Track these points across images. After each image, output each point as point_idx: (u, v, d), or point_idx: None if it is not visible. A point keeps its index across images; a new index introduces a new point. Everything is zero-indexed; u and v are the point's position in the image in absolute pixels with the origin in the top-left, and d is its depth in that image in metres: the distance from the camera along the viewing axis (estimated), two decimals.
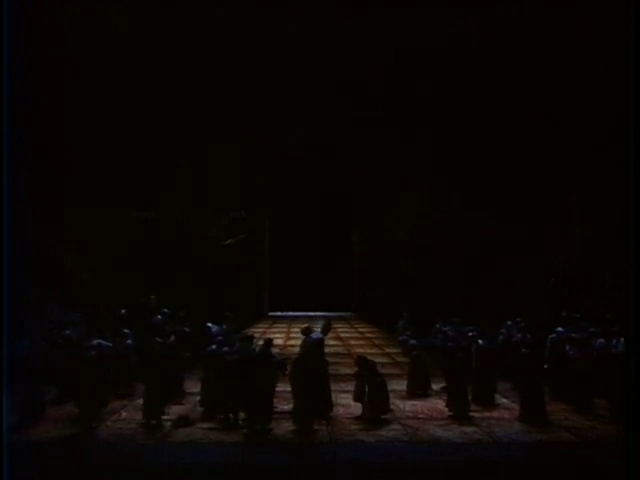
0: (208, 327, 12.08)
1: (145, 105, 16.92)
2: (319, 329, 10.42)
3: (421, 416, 9.71)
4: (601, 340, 10.91)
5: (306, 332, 10.30)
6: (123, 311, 13.77)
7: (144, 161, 18.05)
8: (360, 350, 15.90)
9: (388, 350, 16.21)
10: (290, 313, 26.45)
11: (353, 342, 17.33)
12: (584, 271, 16.39)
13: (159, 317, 13.12)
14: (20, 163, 12.04)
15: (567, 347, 10.42)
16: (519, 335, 11.63)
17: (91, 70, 15.47)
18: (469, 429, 8.98)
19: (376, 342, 17.73)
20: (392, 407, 10.26)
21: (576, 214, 17.58)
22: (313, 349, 9.55)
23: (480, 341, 11.04)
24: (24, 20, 12.59)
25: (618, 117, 12.01)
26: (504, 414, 9.76)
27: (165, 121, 17.54)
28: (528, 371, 9.52)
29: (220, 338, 10.67)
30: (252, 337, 10.21)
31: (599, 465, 7.66)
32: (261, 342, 10.10)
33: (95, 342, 10.46)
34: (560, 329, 11.29)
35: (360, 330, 20.44)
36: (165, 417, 9.44)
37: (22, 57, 12.29)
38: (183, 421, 9.26)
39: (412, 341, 11.53)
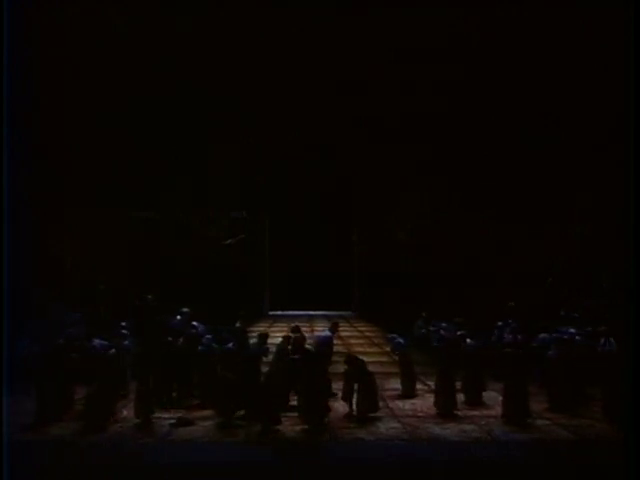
0: (194, 326, 12.11)
1: (145, 105, 16.94)
2: (327, 329, 10.42)
3: (420, 414, 9.74)
4: (577, 339, 10.93)
5: (295, 331, 10.36)
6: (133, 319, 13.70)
7: (144, 161, 18.06)
8: (360, 349, 15.91)
9: (387, 349, 16.22)
10: (290, 312, 26.46)
11: (353, 341, 17.33)
12: (583, 271, 16.40)
13: (178, 317, 12.96)
14: (20, 163, 12.09)
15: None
16: (510, 336, 11.60)
17: (91, 70, 15.49)
18: (468, 427, 9.01)
19: (376, 341, 17.72)
20: (391, 405, 10.32)
21: (576, 214, 17.59)
22: (321, 348, 9.55)
23: (469, 340, 11.06)
24: (24, 20, 12.63)
25: (618, 117, 12.04)
26: None
27: (165, 121, 17.56)
28: (509, 370, 9.53)
29: (209, 337, 10.69)
30: (266, 335, 10.24)
31: (598, 463, 7.68)
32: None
33: (96, 342, 10.47)
34: (572, 330, 11.23)
35: (360, 329, 20.44)
36: (166, 416, 9.50)
37: (22, 57, 12.33)
38: (183, 420, 9.29)
39: (399, 340, 11.52)
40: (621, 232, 11.54)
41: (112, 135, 16.76)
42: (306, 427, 8.92)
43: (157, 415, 9.51)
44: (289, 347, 9.96)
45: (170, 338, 10.77)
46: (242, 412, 9.26)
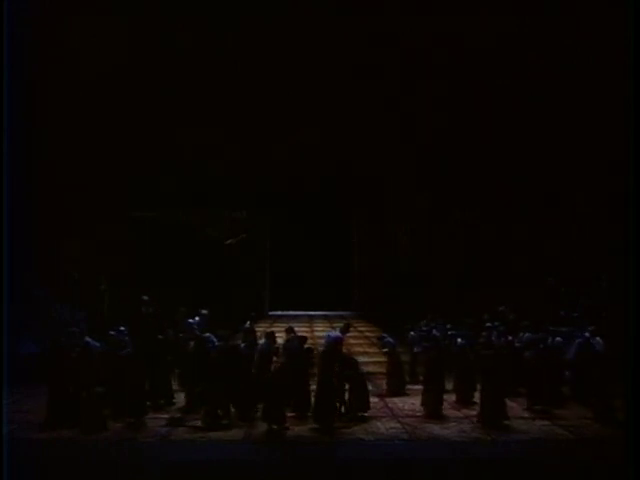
0: (189, 323, 12.12)
1: (145, 105, 16.94)
2: (338, 329, 10.41)
3: (420, 414, 9.77)
4: (558, 339, 10.97)
5: (289, 332, 10.41)
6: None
7: (144, 161, 18.06)
8: (360, 349, 15.97)
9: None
10: (291, 312, 26.50)
11: (353, 341, 17.36)
12: (583, 271, 16.40)
13: (196, 318, 12.86)
14: (20, 163, 12.11)
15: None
16: (502, 338, 11.59)
17: (91, 69, 15.50)
18: (467, 427, 9.05)
19: (375, 341, 17.77)
20: (391, 405, 10.37)
21: (576, 214, 17.60)
22: (332, 348, 9.55)
23: (460, 340, 11.09)
24: (24, 21, 12.67)
25: (618, 117, 12.06)
26: None
27: (165, 121, 17.56)
28: (486, 372, 9.54)
29: (210, 335, 10.69)
30: (273, 333, 10.30)
31: (598, 462, 7.71)
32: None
33: (92, 342, 10.41)
34: (586, 334, 11.19)
35: (360, 329, 20.48)
36: (165, 416, 9.54)
37: (22, 57, 12.36)
38: (179, 420, 9.34)
39: (388, 339, 11.58)
40: (620, 232, 11.54)
41: (112, 135, 16.76)
42: (303, 427, 8.96)
43: (156, 416, 9.57)
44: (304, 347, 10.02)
45: (162, 336, 10.79)
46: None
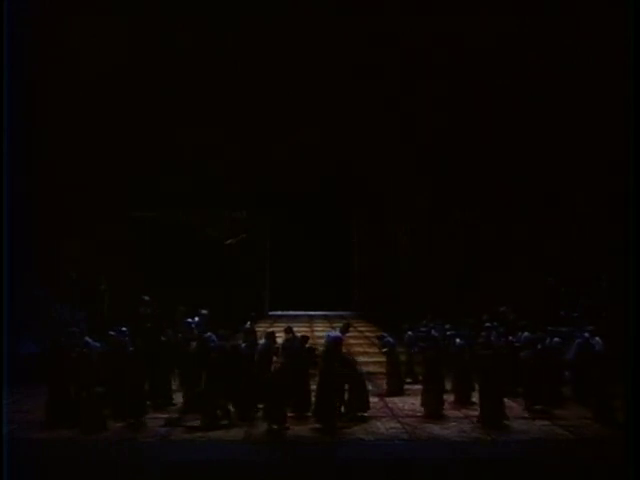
0: (188, 323, 12.09)
1: (145, 105, 16.93)
2: (337, 329, 10.41)
3: (420, 414, 9.76)
4: (556, 339, 10.95)
5: (288, 332, 10.42)
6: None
7: (144, 161, 18.06)
8: (359, 349, 15.96)
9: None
10: (291, 312, 26.49)
11: (353, 341, 17.35)
12: (583, 271, 16.40)
13: (196, 319, 12.84)
14: (21, 163, 12.10)
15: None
16: (503, 339, 11.57)
17: (90, 70, 15.49)
18: (467, 427, 9.04)
19: (375, 341, 17.78)
20: (391, 405, 10.36)
21: (576, 214, 17.59)
22: (331, 348, 9.54)
23: (458, 340, 11.08)
24: (24, 21, 12.66)
25: (618, 117, 12.06)
26: None
27: (165, 121, 17.56)
28: (485, 372, 9.48)
29: (210, 334, 10.68)
30: (273, 333, 10.28)
31: (598, 462, 7.70)
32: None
33: (92, 342, 10.41)
34: (586, 334, 11.14)
35: (360, 329, 20.47)
36: (165, 416, 9.54)
37: (22, 58, 12.35)
38: (176, 421, 9.34)
39: (388, 339, 11.59)
40: (620, 232, 11.54)
41: (112, 135, 16.75)
42: (303, 427, 8.96)
43: (156, 416, 9.57)
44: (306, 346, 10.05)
45: (164, 337, 10.79)
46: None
